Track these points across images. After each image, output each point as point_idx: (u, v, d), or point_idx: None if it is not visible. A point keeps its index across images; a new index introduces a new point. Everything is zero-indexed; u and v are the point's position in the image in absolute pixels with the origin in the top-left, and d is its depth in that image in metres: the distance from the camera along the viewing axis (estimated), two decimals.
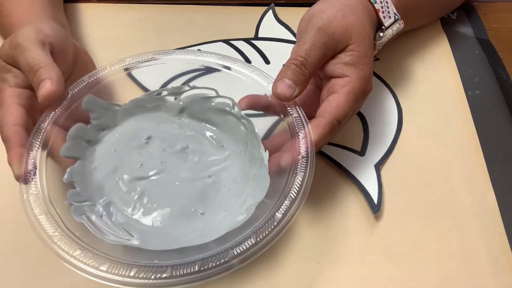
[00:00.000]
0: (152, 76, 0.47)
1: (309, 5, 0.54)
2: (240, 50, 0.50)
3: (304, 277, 0.35)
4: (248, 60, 0.49)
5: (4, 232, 0.37)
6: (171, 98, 0.40)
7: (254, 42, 0.51)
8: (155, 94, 0.40)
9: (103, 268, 0.27)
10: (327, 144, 0.41)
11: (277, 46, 0.50)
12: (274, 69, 0.48)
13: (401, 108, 0.45)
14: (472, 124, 0.44)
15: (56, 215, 0.30)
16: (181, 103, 0.39)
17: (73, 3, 0.54)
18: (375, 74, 0.47)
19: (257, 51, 0.50)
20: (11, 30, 0.39)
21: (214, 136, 0.39)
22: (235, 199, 0.35)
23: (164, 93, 0.40)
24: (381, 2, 0.39)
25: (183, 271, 0.27)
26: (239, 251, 0.28)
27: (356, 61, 0.35)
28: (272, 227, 0.29)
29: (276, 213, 0.29)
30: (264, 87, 0.36)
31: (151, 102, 0.40)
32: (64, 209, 0.31)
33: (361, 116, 0.44)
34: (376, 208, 0.37)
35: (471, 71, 0.48)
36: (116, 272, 0.27)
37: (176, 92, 0.39)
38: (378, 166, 0.40)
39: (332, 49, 0.35)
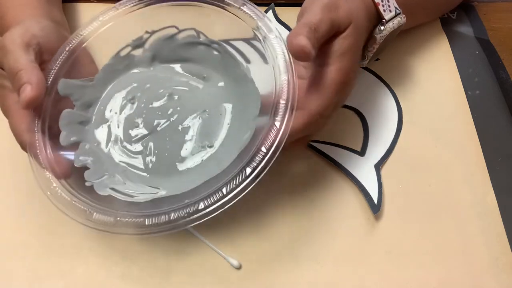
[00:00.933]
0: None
1: None
2: (239, 50, 0.50)
3: (304, 277, 0.35)
4: (247, 60, 0.49)
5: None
6: (137, 52, 0.40)
7: (253, 42, 0.51)
8: (121, 54, 0.40)
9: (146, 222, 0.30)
10: (327, 144, 0.41)
11: None
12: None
13: (401, 108, 0.45)
14: (472, 124, 0.44)
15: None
16: (148, 52, 0.39)
17: (73, 3, 0.54)
18: (375, 74, 0.47)
19: (257, 51, 0.50)
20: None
21: (192, 71, 0.39)
22: (235, 122, 0.35)
23: (128, 49, 0.40)
24: None
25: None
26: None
27: (344, 50, 0.35)
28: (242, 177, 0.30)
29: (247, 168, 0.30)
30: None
31: (120, 63, 0.40)
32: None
33: (361, 116, 0.44)
34: (376, 208, 0.37)
35: (471, 71, 0.48)
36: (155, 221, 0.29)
37: (139, 44, 0.39)
38: (378, 166, 0.40)
39: (334, 29, 0.35)
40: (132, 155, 0.36)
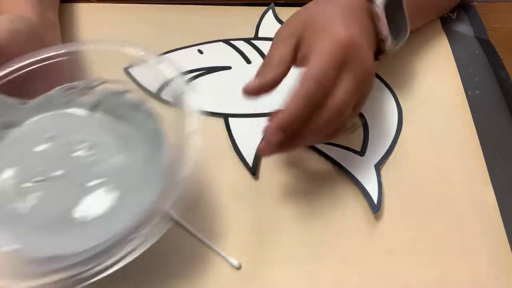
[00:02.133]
0: (152, 76, 0.47)
1: None
2: (240, 50, 0.50)
3: (304, 277, 0.35)
4: (248, 60, 0.49)
5: None
6: (83, 93, 0.38)
7: (254, 42, 0.51)
8: (66, 89, 0.38)
9: None
10: (327, 144, 0.41)
11: None
12: None
13: (401, 108, 0.45)
14: (472, 124, 0.44)
15: None
16: (93, 98, 0.38)
17: (73, 3, 0.54)
18: (375, 75, 0.47)
19: (257, 51, 0.50)
20: None
21: (125, 135, 0.37)
22: (125, 205, 0.33)
23: (76, 87, 0.38)
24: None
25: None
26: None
27: (317, 34, 0.34)
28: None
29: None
30: None
31: (62, 97, 0.38)
32: None
33: (361, 116, 0.44)
34: (376, 208, 0.37)
35: (471, 71, 0.48)
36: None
37: (88, 87, 0.38)
38: (378, 166, 0.40)
39: (291, 42, 0.35)
40: (15, 193, 0.34)
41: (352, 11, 0.37)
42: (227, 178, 0.40)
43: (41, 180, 0.34)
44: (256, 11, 0.54)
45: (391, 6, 0.38)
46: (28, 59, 0.36)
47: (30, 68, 0.36)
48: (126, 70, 0.47)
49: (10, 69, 0.36)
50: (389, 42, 0.39)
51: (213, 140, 0.42)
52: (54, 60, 0.37)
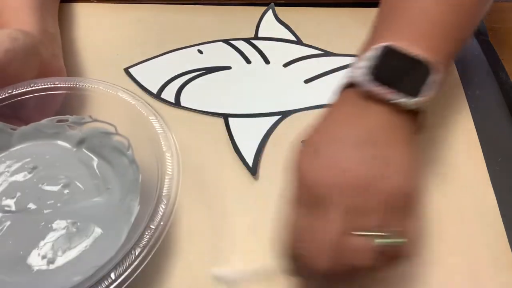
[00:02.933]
0: (153, 76, 0.47)
1: (309, 5, 0.54)
2: (240, 50, 0.50)
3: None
4: (248, 60, 0.49)
5: None
6: (72, 127, 0.38)
7: (254, 42, 0.51)
8: (56, 121, 0.38)
9: None
10: None
11: (277, 45, 0.50)
12: (274, 69, 0.48)
13: None
14: (472, 124, 0.44)
15: None
16: (80, 134, 0.38)
17: (73, 3, 0.54)
18: None
19: (257, 51, 0.50)
20: None
21: (104, 176, 0.37)
22: (90, 254, 0.33)
23: (66, 121, 0.38)
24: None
25: None
26: None
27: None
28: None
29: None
30: None
31: (51, 128, 0.38)
32: None
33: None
34: None
35: (471, 71, 0.48)
36: None
37: (77, 122, 0.38)
38: None
39: None
40: None
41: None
42: (227, 178, 0.40)
43: (11, 211, 0.34)
44: (255, 11, 0.54)
45: (386, 64, 0.30)
46: (26, 87, 0.37)
47: (25, 96, 0.37)
48: (126, 70, 0.48)
49: (5, 94, 0.36)
50: (402, 102, 0.29)
51: (213, 140, 0.42)
52: (51, 92, 0.37)
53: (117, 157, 0.37)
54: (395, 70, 0.30)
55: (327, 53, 0.49)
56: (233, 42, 0.51)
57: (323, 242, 0.27)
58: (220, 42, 0.50)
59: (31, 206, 0.35)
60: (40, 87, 0.37)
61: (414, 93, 0.30)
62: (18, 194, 0.35)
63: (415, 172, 0.30)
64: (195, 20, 0.53)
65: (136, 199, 0.34)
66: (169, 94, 0.46)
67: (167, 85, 0.46)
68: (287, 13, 0.54)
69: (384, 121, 0.30)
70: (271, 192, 0.39)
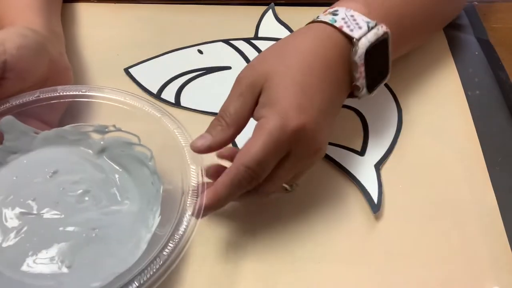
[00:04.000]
0: (153, 76, 0.47)
1: (309, 5, 0.54)
2: (240, 50, 0.50)
3: (304, 277, 0.35)
4: (248, 60, 0.49)
5: None
6: (95, 135, 0.38)
7: (254, 41, 0.51)
8: (80, 128, 0.38)
9: None
10: (328, 144, 0.41)
11: None
12: None
13: (401, 108, 0.45)
14: (472, 124, 0.44)
15: None
16: (102, 142, 0.38)
17: (73, 3, 0.54)
18: None
19: (257, 51, 0.50)
20: None
21: (124, 185, 0.37)
22: (108, 261, 0.32)
23: (89, 128, 0.38)
24: (343, 19, 0.36)
25: None
26: None
27: (271, 98, 0.33)
28: None
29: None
30: None
31: (73, 134, 0.38)
32: None
33: (361, 116, 0.44)
34: (376, 208, 0.37)
35: (471, 71, 0.48)
36: None
37: (101, 130, 0.38)
38: (378, 166, 0.40)
39: (250, 96, 0.34)
40: (3, 222, 0.34)
41: (324, 61, 0.35)
42: None
43: (27, 214, 0.34)
44: (255, 11, 0.54)
45: (374, 52, 0.36)
46: (51, 93, 0.37)
47: (50, 102, 0.37)
48: (126, 70, 0.48)
49: (32, 98, 0.36)
50: (363, 92, 0.37)
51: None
52: (75, 100, 0.38)
53: (138, 167, 0.37)
54: (375, 62, 0.37)
55: None
56: (233, 42, 0.51)
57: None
58: (220, 42, 0.50)
59: (49, 210, 0.35)
60: (66, 93, 0.37)
61: (371, 90, 0.38)
62: (37, 197, 0.35)
63: (331, 127, 0.36)
64: (195, 20, 0.53)
65: (157, 210, 0.34)
66: (169, 94, 0.46)
67: (167, 85, 0.46)
68: (287, 13, 0.54)
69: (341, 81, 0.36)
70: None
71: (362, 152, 0.41)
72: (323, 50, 0.36)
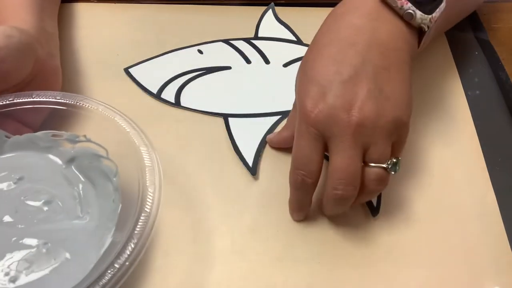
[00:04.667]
0: (153, 76, 0.47)
1: (309, 5, 0.54)
2: (240, 50, 0.50)
3: (304, 277, 0.35)
4: (248, 60, 0.49)
5: None
6: (66, 143, 0.38)
7: (254, 41, 0.51)
8: (51, 135, 0.38)
9: None
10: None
11: (277, 45, 0.50)
12: (274, 69, 0.48)
13: None
14: (472, 124, 0.44)
15: None
16: (72, 152, 0.38)
17: (73, 3, 0.54)
18: None
19: (257, 50, 0.50)
20: None
21: (87, 199, 0.36)
22: (53, 279, 0.32)
23: (61, 136, 0.38)
24: None
25: None
26: None
27: (296, 100, 0.35)
28: None
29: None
30: None
31: (45, 141, 0.38)
32: None
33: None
34: (375, 211, 0.37)
35: (471, 71, 0.48)
36: None
37: (72, 139, 0.38)
38: None
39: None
40: None
41: (354, 30, 0.34)
42: (227, 178, 0.40)
43: None
44: (256, 11, 0.54)
45: None
46: (26, 98, 0.36)
47: (24, 106, 0.36)
48: (126, 70, 0.48)
49: (6, 101, 0.36)
50: (418, 15, 0.34)
51: (213, 140, 0.42)
52: (50, 106, 0.37)
53: (103, 182, 0.36)
54: None
55: None
56: (233, 42, 0.51)
57: (350, 175, 0.32)
58: (220, 42, 0.50)
59: (7, 218, 0.34)
60: (41, 99, 0.37)
61: (427, 11, 0.34)
62: (1, 202, 0.35)
63: (410, 99, 0.34)
64: (195, 19, 0.53)
65: (112, 229, 0.33)
66: (169, 94, 0.46)
67: (167, 85, 0.46)
68: (287, 12, 0.54)
69: (395, 29, 0.34)
70: (271, 192, 0.39)
71: None
72: (342, 23, 0.35)
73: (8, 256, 0.32)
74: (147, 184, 0.33)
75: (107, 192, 0.36)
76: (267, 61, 0.49)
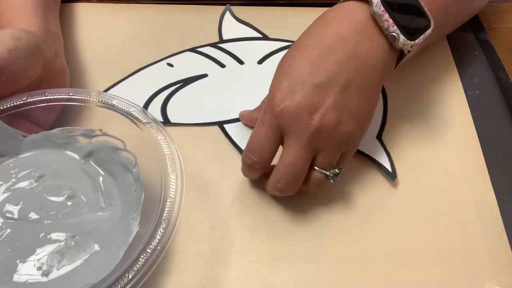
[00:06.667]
0: (130, 97, 0.42)
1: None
2: (211, 56, 0.49)
3: (304, 277, 0.35)
4: (221, 64, 0.48)
5: None
6: (82, 139, 0.38)
7: (221, 45, 0.50)
8: (67, 131, 0.38)
9: None
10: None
11: (245, 45, 0.50)
12: (249, 68, 0.48)
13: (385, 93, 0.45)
14: (472, 124, 0.44)
15: None
16: (89, 146, 0.38)
17: (73, 3, 0.54)
18: None
19: (227, 53, 0.49)
20: None
21: (108, 191, 0.36)
22: (84, 270, 0.32)
23: (77, 132, 0.38)
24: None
25: None
26: None
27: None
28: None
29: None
30: None
31: (61, 138, 0.38)
32: None
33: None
34: (393, 176, 0.39)
35: (471, 71, 0.48)
36: None
37: (88, 134, 0.38)
38: (380, 137, 0.42)
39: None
40: None
41: (339, 37, 0.35)
42: (226, 179, 0.40)
43: (12, 219, 0.34)
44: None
45: (396, 2, 0.35)
46: (39, 96, 0.37)
47: (37, 105, 0.37)
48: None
49: (19, 101, 0.36)
50: (401, 39, 0.35)
51: (212, 144, 0.42)
52: (63, 103, 0.37)
53: (123, 173, 0.37)
54: (405, 8, 0.35)
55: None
56: (200, 49, 0.49)
57: (295, 173, 0.34)
58: (188, 52, 0.49)
59: (33, 215, 0.35)
60: (53, 97, 0.37)
61: (411, 35, 0.35)
62: (22, 201, 0.35)
63: (369, 118, 0.36)
64: (194, 20, 0.53)
65: (137, 218, 0.34)
66: (155, 113, 0.44)
67: (149, 104, 0.45)
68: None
69: (376, 47, 0.35)
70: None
71: None
72: (330, 28, 0.36)
73: (38, 251, 0.33)
74: (168, 171, 0.33)
75: (128, 183, 0.36)
76: (240, 62, 0.48)
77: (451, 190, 0.39)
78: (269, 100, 0.35)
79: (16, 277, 0.32)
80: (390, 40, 0.35)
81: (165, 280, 0.34)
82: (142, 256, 0.29)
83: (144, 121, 0.36)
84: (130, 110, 0.36)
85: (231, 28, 0.52)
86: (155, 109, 0.44)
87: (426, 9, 0.36)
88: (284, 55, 0.37)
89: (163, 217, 0.31)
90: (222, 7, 0.54)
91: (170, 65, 0.48)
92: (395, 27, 0.34)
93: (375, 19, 0.35)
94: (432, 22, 0.36)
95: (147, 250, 0.30)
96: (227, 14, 0.53)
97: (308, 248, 0.36)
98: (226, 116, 0.44)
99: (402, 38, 0.35)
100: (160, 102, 0.45)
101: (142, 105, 0.44)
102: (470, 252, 0.36)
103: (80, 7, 0.54)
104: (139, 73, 0.47)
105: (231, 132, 0.43)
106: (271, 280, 0.34)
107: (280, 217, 0.38)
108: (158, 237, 0.30)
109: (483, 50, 0.50)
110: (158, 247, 0.30)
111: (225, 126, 0.43)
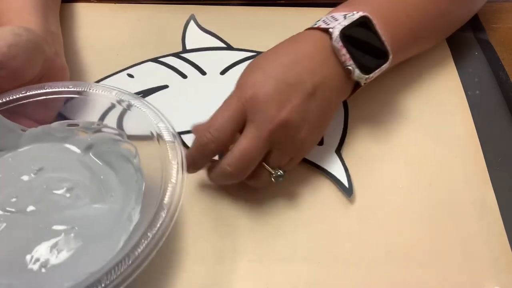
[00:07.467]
0: (86, 112, 0.41)
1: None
2: (173, 66, 0.48)
3: (304, 277, 0.35)
4: (183, 75, 0.47)
5: None
6: (82, 132, 0.38)
7: (184, 55, 0.49)
8: (66, 125, 0.38)
9: None
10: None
11: (209, 55, 0.49)
12: (211, 79, 0.47)
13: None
14: (472, 124, 0.44)
15: None
16: (89, 139, 0.38)
17: (73, 3, 0.54)
18: None
19: (190, 64, 0.48)
20: None
21: (109, 183, 0.36)
22: (84, 260, 0.32)
23: (76, 125, 0.38)
24: (323, 21, 0.38)
25: None
26: None
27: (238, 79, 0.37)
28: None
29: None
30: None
31: (60, 132, 0.38)
32: None
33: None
34: (349, 192, 0.38)
35: (471, 71, 0.48)
36: None
37: (87, 127, 0.38)
38: (339, 151, 0.41)
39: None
40: None
41: (299, 53, 0.37)
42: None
43: (11, 212, 0.34)
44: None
45: (354, 34, 0.37)
46: (38, 90, 0.37)
47: (37, 98, 0.37)
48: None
49: (18, 95, 0.36)
50: (356, 73, 0.37)
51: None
52: (61, 96, 0.37)
53: (123, 164, 0.37)
54: (363, 44, 0.37)
55: (259, 53, 0.45)
56: (162, 59, 0.48)
57: (247, 161, 0.34)
58: (149, 62, 0.48)
59: (31, 208, 0.34)
60: (52, 90, 0.37)
61: (367, 71, 0.37)
62: (21, 195, 0.35)
63: (322, 133, 0.39)
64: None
65: (138, 208, 0.34)
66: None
67: (104, 117, 0.40)
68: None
69: (335, 72, 0.37)
70: (269, 192, 0.39)
71: (320, 142, 0.41)
72: (300, 46, 0.38)
73: (37, 242, 0.33)
74: (170, 158, 0.33)
75: (128, 174, 0.36)
76: (203, 73, 0.47)
77: (451, 190, 0.39)
78: (240, 85, 0.36)
79: (16, 269, 0.32)
80: (346, 73, 0.37)
81: (165, 280, 0.34)
82: (142, 241, 0.29)
83: (144, 110, 0.36)
84: (130, 100, 0.37)
85: (195, 38, 0.51)
86: (111, 122, 0.40)
87: (386, 43, 0.38)
88: (258, 56, 0.38)
89: (164, 202, 0.31)
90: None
91: (130, 75, 0.47)
92: (351, 62, 0.37)
93: (334, 50, 0.37)
94: (390, 57, 0.38)
95: (148, 234, 0.30)
96: (191, 23, 0.52)
97: (308, 248, 0.36)
98: (182, 127, 0.42)
99: (357, 72, 0.37)
100: (116, 116, 0.40)
101: (98, 117, 0.41)
102: (470, 252, 0.36)
103: (80, 7, 0.54)
104: (100, 83, 0.45)
105: (190, 143, 0.39)
106: (271, 280, 0.34)
107: (280, 217, 0.38)
108: (159, 221, 0.30)
109: (483, 50, 0.50)
110: (159, 232, 0.30)
111: (183, 136, 0.41)
